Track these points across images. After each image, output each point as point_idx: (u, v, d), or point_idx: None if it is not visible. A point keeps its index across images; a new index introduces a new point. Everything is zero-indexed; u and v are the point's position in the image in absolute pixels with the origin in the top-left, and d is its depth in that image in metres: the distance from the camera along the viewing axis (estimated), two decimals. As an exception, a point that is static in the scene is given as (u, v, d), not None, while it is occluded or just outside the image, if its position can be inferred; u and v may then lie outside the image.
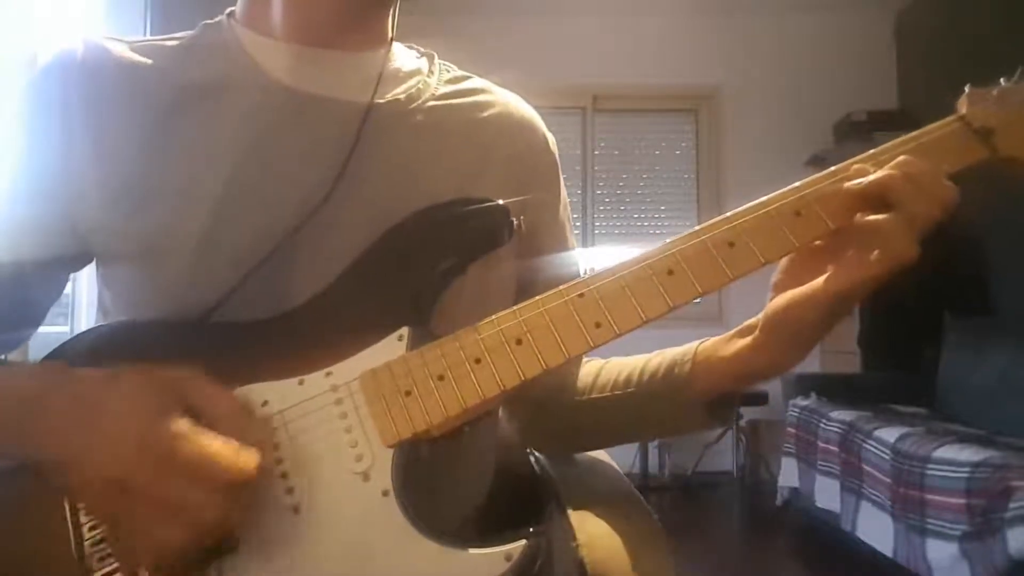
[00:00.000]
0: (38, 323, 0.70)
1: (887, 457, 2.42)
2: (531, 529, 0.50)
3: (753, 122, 4.23)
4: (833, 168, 0.59)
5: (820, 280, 0.56)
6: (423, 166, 0.66)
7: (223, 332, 0.59)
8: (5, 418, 0.53)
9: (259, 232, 0.60)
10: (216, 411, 0.50)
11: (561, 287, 0.57)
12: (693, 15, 4.23)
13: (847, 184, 0.56)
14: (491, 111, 0.73)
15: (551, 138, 0.78)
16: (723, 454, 3.95)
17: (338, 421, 0.54)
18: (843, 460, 2.71)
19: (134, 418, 0.48)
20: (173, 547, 0.47)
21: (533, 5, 4.12)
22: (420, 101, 0.69)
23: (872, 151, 0.59)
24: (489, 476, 0.71)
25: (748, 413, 3.86)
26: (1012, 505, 1.87)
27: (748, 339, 0.62)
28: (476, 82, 0.76)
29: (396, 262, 0.59)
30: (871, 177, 0.55)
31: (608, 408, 0.71)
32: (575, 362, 0.75)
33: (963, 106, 0.61)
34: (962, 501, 2.05)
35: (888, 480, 2.39)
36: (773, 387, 3.52)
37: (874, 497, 2.48)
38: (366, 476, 0.52)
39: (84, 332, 0.61)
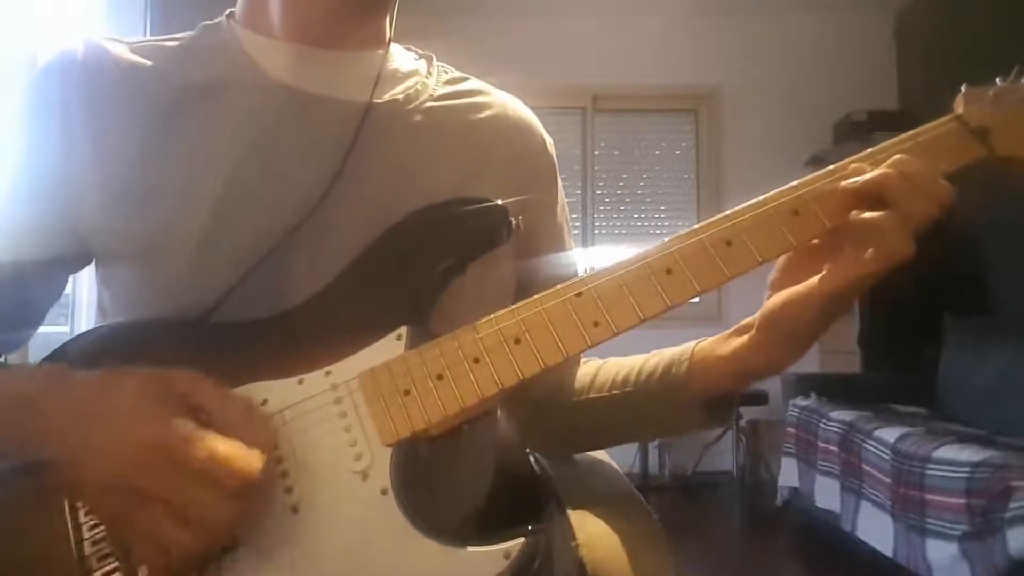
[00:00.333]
0: (38, 323, 0.70)
1: (887, 457, 2.42)
2: (529, 527, 0.50)
3: (753, 122, 4.23)
4: (830, 167, 0.59)
5: (816, 279, 0.56)
6: (421, 166, 0.66)
7: (223, 332, 0.59)
8: (5, 418, 0.53)
9: (258, 232, 0.60)
10: (221, 412, 0.50)
11: (559, 286, 0.57)
12: (693, 15, 4.23)
13: (843, 183, 0.56)
14: (489, 112, 0.73)
15: (549, 140, 0.78)
16: (723, 454, 3.95)
17: (337, 420, 0.54)
18: (843, 460, 2.71)
19: (140, 419, 0.48)
20: (181, 549, 0.46)
21: (533, 5, 4.12)
22: (418, 102, 0.70)
23: (870, 150, 0.59)
24: (488, 475, 0.71)
25: (748, 413, 3.86)
26: (1012, 505, 1.87)
27: (745, 338, 0.62)
28: (474, 83, 0.76)
29: (395, 261, 0.60)
30: (867, 176, 0.55)
31: (606, 408, 0.71)
32: (573, 362, 0.75)
33: (959, 105, 0.61)
34: (962, 501, 2.05)
35: (888, 480, 2.39)
36: (773, 387, 3.52)
37: (874, 497, 2.48)
38: (365, 475, 0.52)
39: (84, 333, 0.61)
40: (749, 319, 0.62)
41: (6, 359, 0.68)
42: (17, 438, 0.52)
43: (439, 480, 0.60)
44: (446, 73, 0.75)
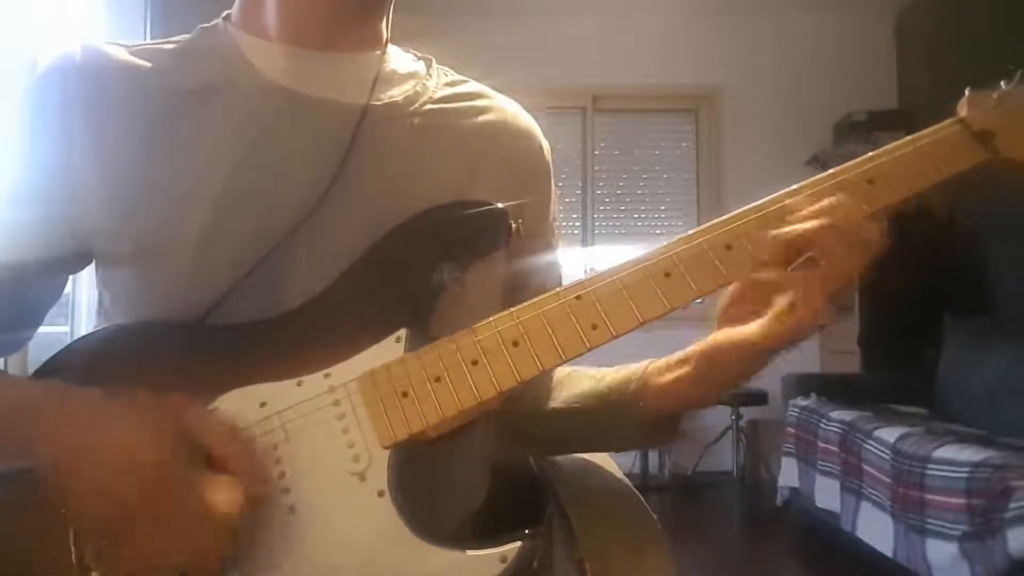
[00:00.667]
0: (38, 324, 0.70)
1: (887, 457, 2.42)
2: (527, 531, 0.50)
3: (753, 122, 4.23)
4: (833, 171, 0.59)
5: (751, 327, 0.56)
6: (420, 168, 0.66)
7: (222, 334, 0.59)
8: (6, 427, 0.52)
9: (257, 233, 0.60)
10: (219, 447, 0.50)
11: (558, 289, 0.57)
12: (693, 15, 4.23)
13: (772, 232, 0.56)
14: (489, 116, 0.73)
15: (546, 145, 0.78)
16: (723, 454, 3.95)
17: (336, 422, 0.54)
18: (843, 460, 2.71)
19: (138, 451, 0.47)
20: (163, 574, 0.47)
21: (533, 5, 4.12)
22: (417, 104, 0.69)
23: (870, 154, 0.60)
24: (486, 478, 0.71)
25: (748, 413, 3.86)
26: (1012, 505, 1.87)
27: (685, 370, 0.62)
28: (474, 86, 0.76)
29: (395, 264, 0.60)
30: (796, 228, 0.55)
31: (563, 420, 0.71)
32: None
33: (963, 109, 0.62)
34: (962, 501, 2.05)
35: (888, 480, 2.39)
36: (773, 387, 3.53)
37: (874, 497, 2.48)
38: (362, 477, 0.52)
39: (85, 336, 0.61)
40: (693, 348, 0.62)
41: (6, 365, 0.68)
42: (16, 446, 0.51)
43: (436, 482, 0.61)
44: (446, 76, 0.75)
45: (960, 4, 3.61)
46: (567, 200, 4.26)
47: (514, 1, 4.09)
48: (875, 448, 2.52)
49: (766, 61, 4.26)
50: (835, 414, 2.87)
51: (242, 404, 0.54)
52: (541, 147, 0.77)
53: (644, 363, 0.67)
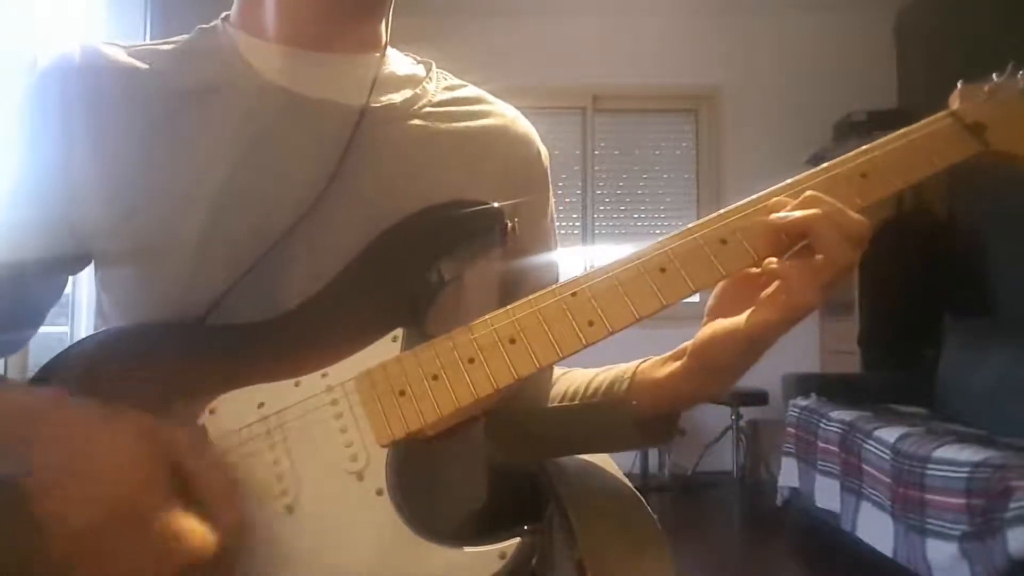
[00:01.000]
0: (38, 324, 0.70)
1: (887, 457, 2.42)
2: (526, 527, 0.50)
3: (753, 122, 4.24)
4: (826, 165, 0.59)
5: (741, 316, 0.56)
6: (418, 170, 0.66)
7: (220, 334, 0.59)
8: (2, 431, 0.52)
9: (255, 233, 0.60)
10: (196, 474, 0.49)
11: (554, 287, 0.57)
12: (693, 15, 4.23)
13: (769, 218, 0.56)
14: (487, 120, 0.74)
15: (544, 150, 0.78)
16: (723, 454, 3.95)
17: (333, 421, 0.54)
18: (843, 460, 2.71)
19: (111, 475, 0.47)
20: None
21: (533, 5, 4.12)
22: (416, 107, 0.70)
23: (863, 148, 0.60)
24: (484, 477, 0.71)
25: (748, 413, 3.86)
26: (1012, 505, 1.87)
27: (678, 364, 0.62)
28: (473, 91, 0.76)
29: (392, 264, 0.60)
30: (793, 214, 0.54)
31: (555, 419, 0.71)
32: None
33: (955, 101, 0.62)
34: (962, 501, 2.05)
35: (888, 480, 2.39)
36: (773, 387, 3.53)
37: (874, 497, 2.48)
38: (360, 476, 0.52)
39: (84, 339, 0.61)
40: (686, 344, 0.62)
41: (6, 366, 0.68)
42: (12, 452, 0.51)
43: (435, 481, 0.61)
44: (445, 80, 0.75)
45: (960, 4, 3.61)
46: (567, 200, 4.26)
47: (514, 1, 4.09)
48: (875, 448, 2.52)
49: (766, 61, 4.26)
50: (835, 414, 2.87)
51: (240, 404, 0.54)
52: (539, 152, 0.77)
53: (636, 362, 0.67)
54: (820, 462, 2.86)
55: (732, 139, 4.28)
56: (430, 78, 0.74)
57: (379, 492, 0.52)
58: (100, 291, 0.67)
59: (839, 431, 2.77)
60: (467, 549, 0.50)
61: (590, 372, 0.71)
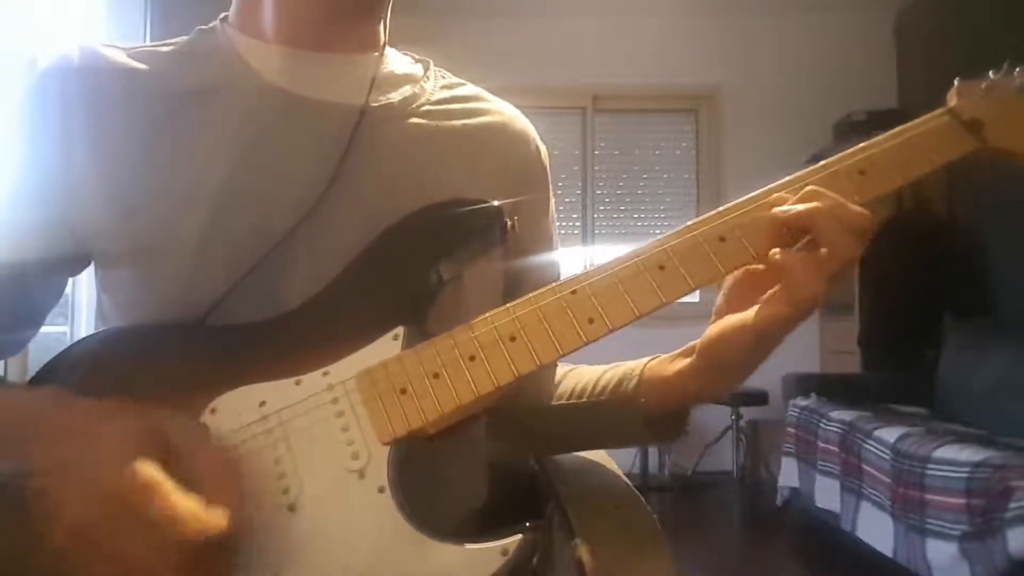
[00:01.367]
0: (38, 325, 0.70)
1: (887, 457, 2.42)
2: (528, 524, 0.50)
3: (753, 122, 4.24)
4: (825, 162, 0.59)
5: (749, 312, 0.56)
6: (417, 169, 0.66)
7: (221, 334, 0.59)
8: (4, 433, 0.52)
9: (255, 234, 0.61)
10: (197, 464, 0.48)
11: (554, 284, 0.57)
12: (693, 15, 4.23)
13: (772, 211, 0.56)
14: (486, 118, 0.74)
15: (543, 148, 0.78)
16: (723, 454, 3.95)
17: (335, 420, 0.54)
18: (843, 460, 2.71)
19: (113, 465, 0.46)
20: None
21: (533, 5, 4.12)
22: (415, 106, 0.70)
23: (861, 145, 0.60)
24: (485, 474, 0.71)
25: (748, 413, 3.87)
26: (1012, 505, 1.87)
27: (687, 362, 0.62)
28: (471, 89, 0.76)
29: (392, 263, 0.60)
30: (795, 208, 0.54)
31: (563, 416, 0.72)
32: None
33: (952, 99, 0.62)
34: (962, 501, 2.05)
35: (888, 480, 2.39)
36: (773, 387, 3.53)
37: (874, 497, 2.48)
38: (362, 474, 0.52)
39: (85, 338, 0.61)
40: (694, 342, 0.62)
41: (6, 367, 0.67)
42: (13, 453, 0.51)
43: (436, 478, 0.61)
44: (443, 78, 0.75)
45: (960, 4, 3.61)
46: (567, 200, 4.26)
47: (514, 1, 4.09)
48: (875, 448, 2.52)
49: (766, 61, 4.26)
50: (835, 414, 2.88)
51: (241, 403, 0.54)
52: (538, 149, 0.78)
53: (644, 359, 0.67)
54: (820, 462, 2.86)
55: (732, 139, 4.28)
56: (428, 77, 0.74)
57: (381, 490, 0.52)
58: (100, 292, 0.67)
59: (839, 431, 2.77)
60: (469, 546, 0.50)
61: (597, 369, 0.71)
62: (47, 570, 0.48)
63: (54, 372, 0.59)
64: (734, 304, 0.59)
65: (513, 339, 0.55)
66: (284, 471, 0.53)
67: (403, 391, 0.54)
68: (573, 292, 0.56)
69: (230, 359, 0.57)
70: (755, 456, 4.00)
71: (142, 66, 0.66)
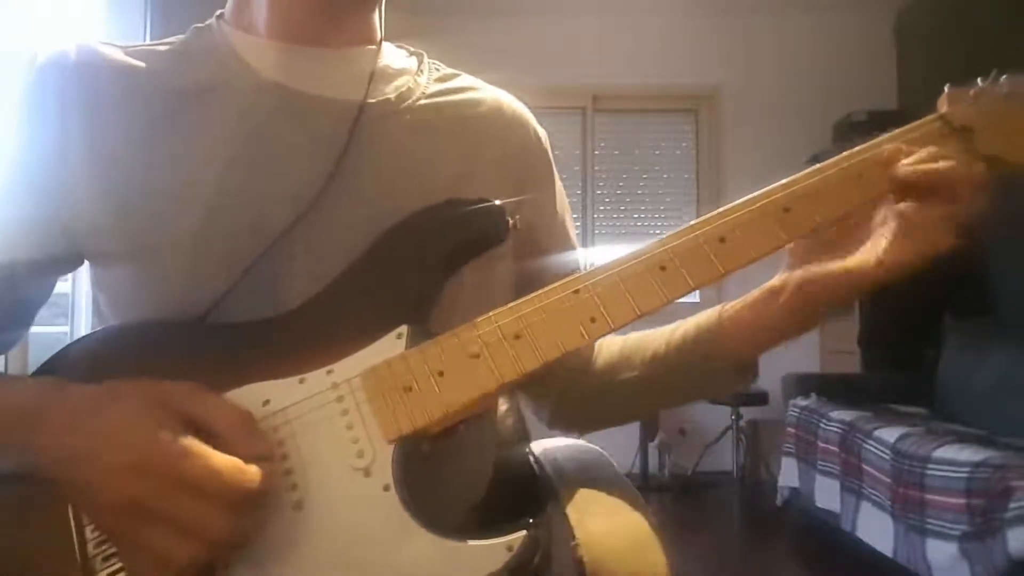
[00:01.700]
0: (28, 324, 0.70)
1: (887, 457, 2.42)
2: (531, 521, 0.51)
3: (753, 122, 4.24)
4: (821, 165, 0.60)
5: (862, 258, 0.58)
6: (416, 164, 0.66)
7: (223, 333, 0.59)
8: (7, 430, 0.52)
9: (254, 231, 0.61)
10: (219, 424, 0.50)
11: (557, 284, 0.58)
12: (693, 15, 4.23)
13: (901, 167, 0.58)
14: (482, 108, 0.74)
15: (543, 133, 0.78)
16: (723, 454, 3.95)
17: (339, 418, 0.54)
18: (843, 460, 2.71)
19: (136, 437, 0.48)
20: (180, 562, 0.47)
21: (533, 5, 4.12)
22: (411, 100, 0.70)
23: (856, 148, 0.61)
24: (488, 472, 0.72)
25: (748, 413, 3.87)
26: (1012, 505, 1.87)
27: (777, 305, 0.62)
28: (465, 80, 0.76)
29: (395, 262, 0.60)
30: (931, 166, 0.57)
31: (638, 385, 0.72)
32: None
33: (943, 105, 0.63)
34: (962, 501, 2.05)
35: (888, 480, 2.39)
36: (773, 387, 3.53)
37: (874, 497, 2.48)
38: (367, 471, 0.53)
39: (84, 337, 0.61)
40: (774, 283, 0.63)
41: (6, 368, 0.67)
42: (19, 450, 0.51)
43: (441, 476, 0.61)
44: (437, 70, 0.75)
45: (960, 4, 3.61)
46: (567, 201, 4.24)
47: (514, 1, 4.09)
48: (875, 448, 2.52)
49: (766, 61, 4.26)
50: (835, 414, 2.87)
51: (245, 402, 0.54)
52: (538, 136, 0.78)
53: (711, 312, 0.68)
54: (820, 462, 2.86)
55: (732, 139, 4.28)
56: (421, 70, 0.74)
57: (386, 487, 0.52)
58: (96, 292, 0.67)
59: (839, 431, 2.78)
60: (473, 542, 0.50)
61: (663, 331, 0.72)
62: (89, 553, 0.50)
63: (53, 371, 0.59)
64: (804, 260, 0.61)
65: (517, 337, 0.55)
66: (289, 468, 0.53)
67: (408, 389, 0.54)
68: (576, 291, 0.57)
69: (233, 358, 0.57)
70: (755, 456, 4.00)
71: (139, 64, 0.66)
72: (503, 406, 0.91)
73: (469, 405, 0.54)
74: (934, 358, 3.22)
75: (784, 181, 0.60)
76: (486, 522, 0.64)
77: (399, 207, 0.61)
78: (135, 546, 0.48)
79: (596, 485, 0.74)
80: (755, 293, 0.65)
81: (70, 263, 0.67)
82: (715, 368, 0.67)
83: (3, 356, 0.67)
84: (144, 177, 0.62)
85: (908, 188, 0.57)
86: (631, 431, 3.79)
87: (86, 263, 0.67)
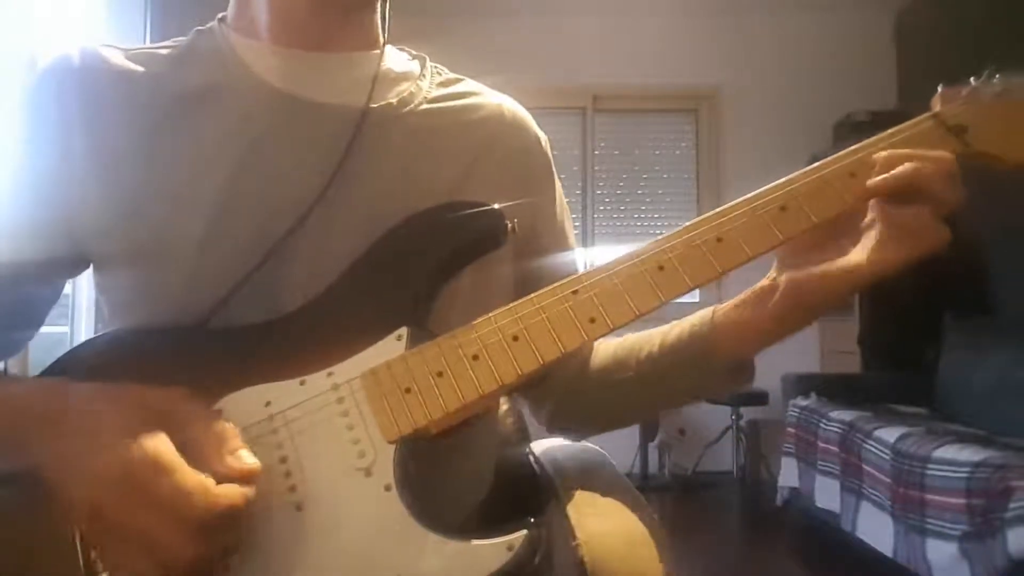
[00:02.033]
0: (37, 326, 0.70)
1: (887, 457, 2.42)
2: (531, 521, 0.51)
3: (753, 122, 4.24)
4: (817, 164, 0.61)
5: (855, 257, 0.58)
6: (417, 169, 0.66)
7: (224, 337, 0.59)
8: (4, 429, 0.52)
9: (256, 235, 0.61)
10: (199, 440, 0.49)
11: (555, 285, 0.58)
12: (693, 15, 4.24)
13: (872, 181, 0.58)
14: (484, 113, 0.74)
15: (543, 137, 0.78)
16: (723, 454, 3.96)
17: (340, 419, 0.54)
18: (843, 460, 2.71)
19: (119, 445, 0.47)
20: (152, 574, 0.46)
21: (533, 5, 4.12)
22: (413, 105, 0.70)
23: (851, 148, 0.61)
24: (489, 472, 0.72)
25: (748, 413, 3.87)
26: (1012, 505, 1.87)
27: (769, 306, 0.62)
28: (468, 84, 0.76)
29: (394, 265, 0.60)
30: (902, 170, 0.57)
31: (634, 386, 0.72)
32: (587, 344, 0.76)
33: (936, 104, 0.63)
34: (962, 501, 2.05)
35: (888, 480, 2.39)
36: (773, 387, 3.53)
37: (874, 497, 2.48)
38: (368, 472, 0.53)
39: (87, 341, 0.61)
40: (764, 283, 0.63)
41: (6, 367, 0.68)
42: (16, 450, 0.51)
43: (441, 476, 0.61)
44: (439, 75, 0.75)
45: (960, 4, 3.61)
46: (567, 200, 4.23)
47: (514, 1, 4.09)
48: (875, 448, 2.52)
49: (766, 61, 4.26)
50: (835, 414, 2.87)
51: (246, 404, 0.55)
52: (539, 141, 0.78)
53: (705, 313, 0.68)
54: (820, 462, 2.86)
55: (732, 139, 4.28)
56: (424, 74, 0.74)
57: (387, 488, 0.52)
58: (99, 295, 0.67)
59: (839, 431, 2.78)
60: (475, 542, 0.50)
61: (658, 331, 0.72)
62: (66, 552, 0.49)
63: (56, 375, 0.59)
64: (795, 260, 0.61)
65: (516, 339, 0.56)
66: (290, 470, 0.53)
67: (408, 390, 0.54)
68: (574, 292, 0.57)
69: (233, 360, 0.58)
70: (755, 456, 4.00)
71: (140, 68, 0.66)
72: (503, 406, 0.91)
73: (468, 406, 0.54)
74: (934, 358, 3.22)
75: (780, 181, 0.60)
76: (487, 522, 0.64)
77: (400, 211, 0.61)
78: (109, 552, 0.48)
79: (596, 485, 0.74)
80: (747, 293, 0.65)
81: (76, 265, 0.67)
82: (709, 368, 0.67)
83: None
84: (146, 182, 0.62)
85: (885, 196, 0.57)
86: (631, 431, 3.79)
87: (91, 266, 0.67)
